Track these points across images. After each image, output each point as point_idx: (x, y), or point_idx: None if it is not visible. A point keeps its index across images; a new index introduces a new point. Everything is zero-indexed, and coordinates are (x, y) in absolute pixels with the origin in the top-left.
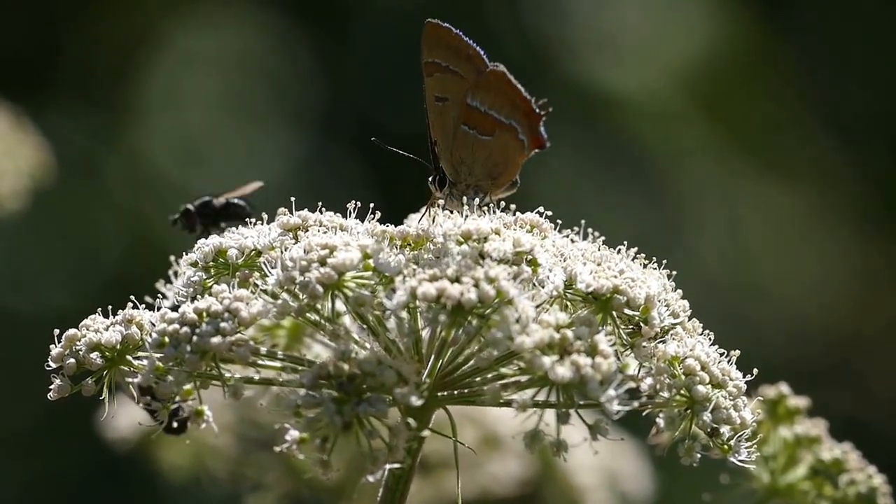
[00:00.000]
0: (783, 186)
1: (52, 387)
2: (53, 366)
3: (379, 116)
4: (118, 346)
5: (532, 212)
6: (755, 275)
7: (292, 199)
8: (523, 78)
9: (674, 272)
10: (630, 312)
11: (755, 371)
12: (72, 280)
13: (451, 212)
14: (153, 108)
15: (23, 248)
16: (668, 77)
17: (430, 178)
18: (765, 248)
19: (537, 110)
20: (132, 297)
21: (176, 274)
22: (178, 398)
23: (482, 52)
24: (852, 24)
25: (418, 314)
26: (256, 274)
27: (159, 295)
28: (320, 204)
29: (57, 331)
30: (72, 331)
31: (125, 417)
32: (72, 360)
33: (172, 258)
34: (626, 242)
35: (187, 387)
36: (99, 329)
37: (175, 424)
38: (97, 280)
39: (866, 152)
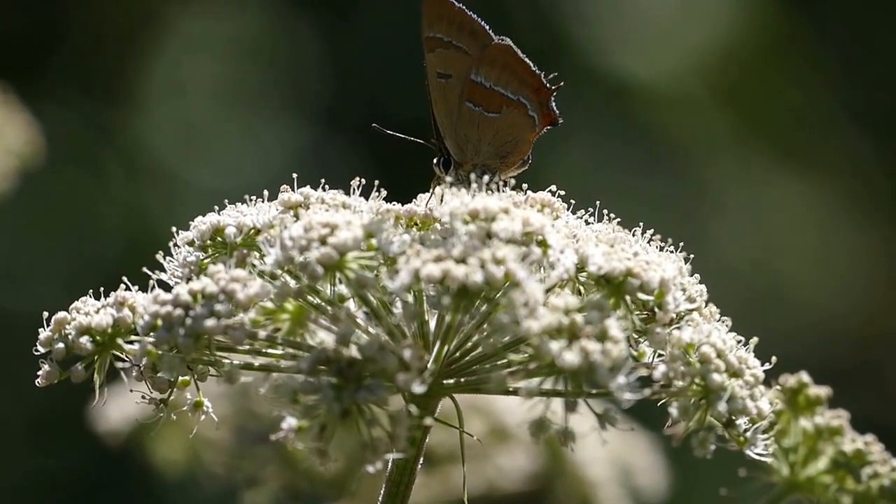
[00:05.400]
0: (808, 179)
1: (39, 372)
2: (42, 350)
3: (386, 102)
4: (109, 330)
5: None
6: (777, 270)
7: (294, 175)
8: (539, 61)
9: (691, 255)
10: (644, 297)
11: (773, 359)
12: (68, 274)
13: (459, 190)
14: (154, 96)
15: (17, 240)
16: (690, 64)
17: (434, 160)
18: (788, 242)
19: (548, 85)
20: (124, 279)
21: (176, 245)
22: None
23: (487, 27)
24: (880, 11)
25: (423, 297)
26: (255, 253)
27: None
28: (323, 181)
29: (46, 314)
30: (61, 313)
31: (117, 409)
32: (61, 345)
33: (174, 229)
34: (641, 224)
35: (183, 378)
36: (89, 311)
37: None
38: (95, 274)
39: (895, 145)
